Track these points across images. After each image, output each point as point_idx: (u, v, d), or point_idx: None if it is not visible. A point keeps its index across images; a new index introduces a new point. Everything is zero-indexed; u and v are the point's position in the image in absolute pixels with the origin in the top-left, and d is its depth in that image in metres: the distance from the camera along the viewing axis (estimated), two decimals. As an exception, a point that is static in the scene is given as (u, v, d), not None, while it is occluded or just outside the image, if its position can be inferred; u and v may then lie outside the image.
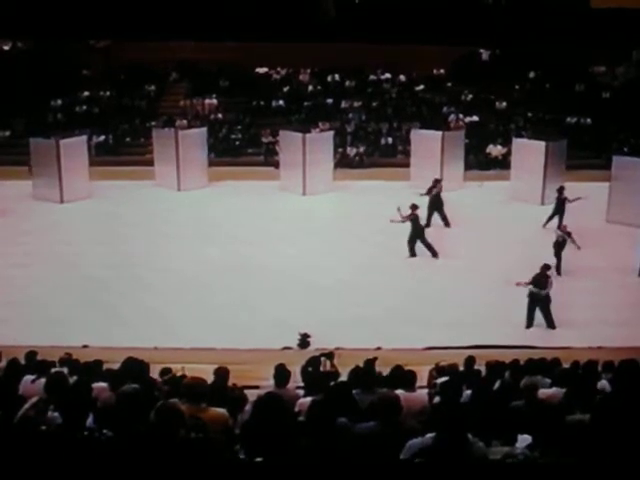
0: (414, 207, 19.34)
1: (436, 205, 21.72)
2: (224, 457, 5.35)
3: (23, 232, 21.63)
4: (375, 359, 9.49)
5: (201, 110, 31.81)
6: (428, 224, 21.27)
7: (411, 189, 22.82)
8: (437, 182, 22.00)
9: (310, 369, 9.79)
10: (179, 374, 9.35)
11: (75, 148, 25.53)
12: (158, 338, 14.41)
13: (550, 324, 15.68)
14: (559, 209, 21.27)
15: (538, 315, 15.73)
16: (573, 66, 32.00)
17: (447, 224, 21.87)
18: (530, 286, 15.42)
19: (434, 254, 19.45)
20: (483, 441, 5.27)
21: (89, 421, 5.86)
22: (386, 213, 19.25)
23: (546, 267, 15.76)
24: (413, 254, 19.57)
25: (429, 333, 14.99)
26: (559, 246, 18.22)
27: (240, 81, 32.91)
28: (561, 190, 21.48)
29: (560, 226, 19.21)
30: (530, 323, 15.76)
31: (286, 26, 29.76)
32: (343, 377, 8.93)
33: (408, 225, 19.47)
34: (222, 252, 20.04)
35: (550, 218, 21.29)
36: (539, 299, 15.56)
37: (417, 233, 19.41)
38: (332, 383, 8.14)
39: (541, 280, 15.54)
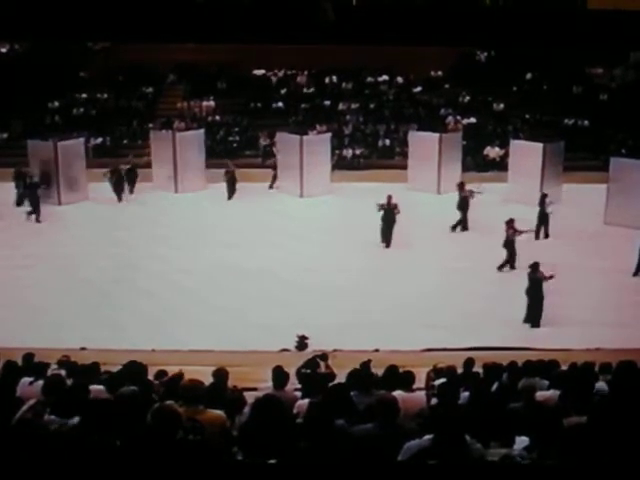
0: (389, 198, 20.58)
1: (461, 207, 21.96)
2: (221, 459, 5.34)
3: (21, 234, 21.63)
4: (369, 361, 9.44)
5: (199, 112, 31.80)
6: (465, 227, 21.96)
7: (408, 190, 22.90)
8: (461, 186, 22.28)
9: (305, 370, 9.76)
10: (176, 371, 9.38)
11: (73, 150, 25.54)
12: (156, 340, 14.40)
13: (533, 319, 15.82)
14: (542, 217, 21.16)
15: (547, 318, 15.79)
16: (570, 68, 32.04)
17: (454, 227, 22.00)
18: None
19: (387, 245, 20.62)
20: (481, 443, 5.26)
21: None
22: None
23: (536, 264, 15.86)
24: (388, 244, 20.68)
25: (427, 335, 14.98)
26: (510, 243, 18.52)
27: (238, 83, 32.90)
28: (544, 197, 21.37)
29: (509, 228, 18.92)
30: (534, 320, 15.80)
31: (284, 28, 29.74)
32: (340, 379, 8.91)
33: (405, 226, 19.57)
34: (220, 254, 20.03)
35: (538, 228, 21.10)
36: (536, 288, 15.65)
37: (388, 222, 20.51)
38: (329, 385, 8.12)
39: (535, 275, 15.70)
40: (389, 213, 20.55)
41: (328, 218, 23.86)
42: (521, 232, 18.68)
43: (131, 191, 25.82)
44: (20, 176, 24.43)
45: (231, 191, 25.91)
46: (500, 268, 18.57)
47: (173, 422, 4.76)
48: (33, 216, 23.07)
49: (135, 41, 29.59)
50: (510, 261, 18.59)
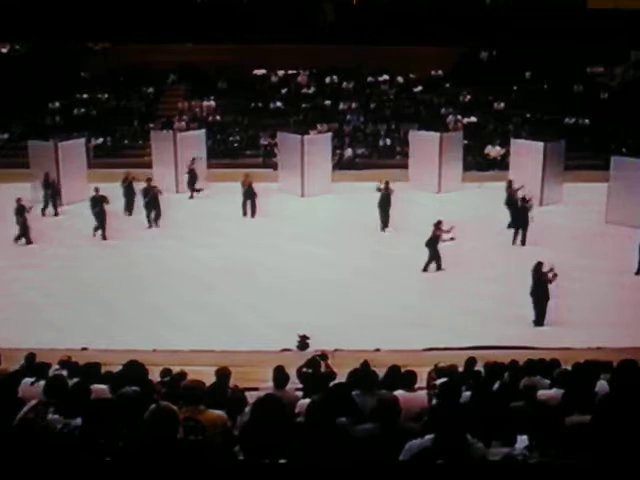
0: (387, 182, 21.74)
1: (511, 206, 21.84)
2: (222, 458, 5.34)
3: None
4: (366, 362, 9.41)
5: (199, 112, 31.82)
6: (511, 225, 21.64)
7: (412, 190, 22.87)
8: (510, 183, 22.24)
9: (306, 370, 9.75)
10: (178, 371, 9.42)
11: (73, 150, 25.55)
12: (157, 340, 14.41)
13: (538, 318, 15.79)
14: (519, 220, 20.71)
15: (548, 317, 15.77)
16: (571, 67, 32.06)
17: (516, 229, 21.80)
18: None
19: (385, 227, 21.75)
20: (482, 442, 5.26)
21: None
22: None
23: (539, 264, 15.75)
24: (385, 226, 21.74)
25: (428, 334, 14.97)
26: (433, 242, 18.51)
27: (238, 83, 32.93)
28: (525, 201, 21.05)
29: (436, 229, 18.71)
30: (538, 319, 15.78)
31: (285, 28, 29.84)
32: (341, 378, 8.91)
33: (405, 225, 19.61)
34: (221, 254, 20.04)
35: (516, 233, 20.73)
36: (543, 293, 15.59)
37: (384, 205, 21.66)
38: (330, 384, 8.12)
39: (541, 276, 15.60)
40: (386, 197, 21.46)
41: (329, 218, 23.85)
42: (446, 238, 18.40)
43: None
44: (49, 184, 23.93)
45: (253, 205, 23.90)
46: (425, 269, 18.57)
47: (170, 422, 4.75)
48: (99, 232, 21.63)
49: (136, 42, 29.71)
50: (430, 261, 18.51)
